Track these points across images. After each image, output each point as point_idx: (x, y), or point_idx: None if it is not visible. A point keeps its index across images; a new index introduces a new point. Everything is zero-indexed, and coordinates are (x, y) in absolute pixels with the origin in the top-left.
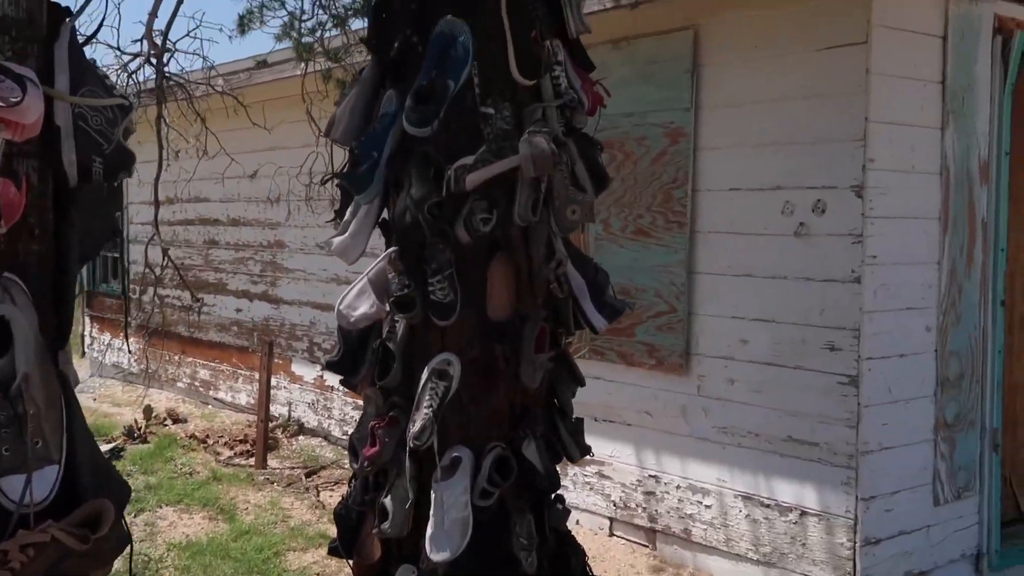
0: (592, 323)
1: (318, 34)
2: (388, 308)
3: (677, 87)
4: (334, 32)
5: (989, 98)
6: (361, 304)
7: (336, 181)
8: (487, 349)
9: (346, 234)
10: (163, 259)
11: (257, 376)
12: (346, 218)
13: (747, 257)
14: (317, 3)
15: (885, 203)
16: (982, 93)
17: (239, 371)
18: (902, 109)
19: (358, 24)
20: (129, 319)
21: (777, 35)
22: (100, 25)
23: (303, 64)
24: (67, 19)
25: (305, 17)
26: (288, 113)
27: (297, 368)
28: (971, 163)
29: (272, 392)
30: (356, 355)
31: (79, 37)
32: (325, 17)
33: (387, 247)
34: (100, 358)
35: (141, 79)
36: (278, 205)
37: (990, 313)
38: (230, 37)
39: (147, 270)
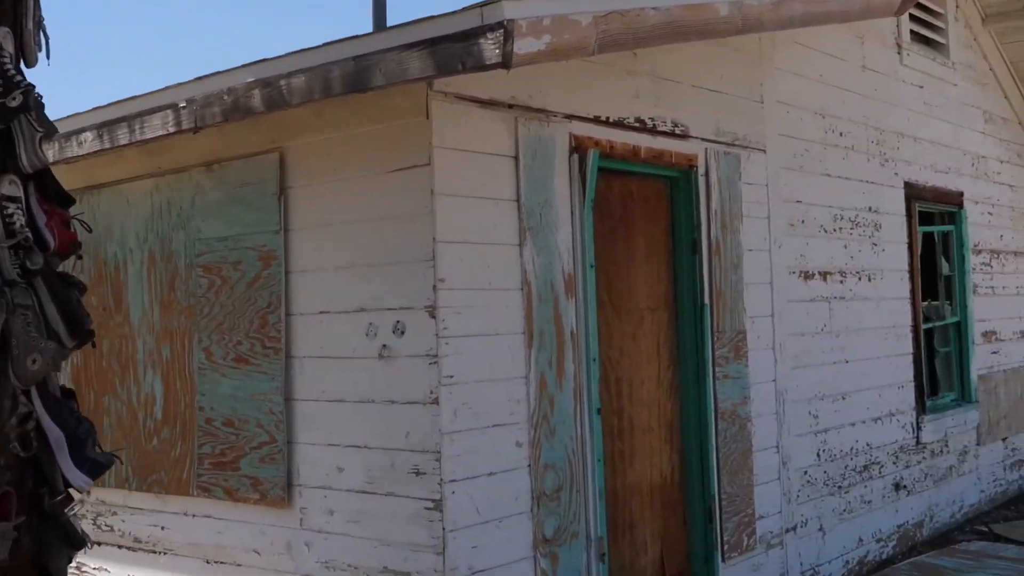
0: (72, 481)
1: None
2: None
3: (266, 210)
4: None
5: (570, 214)
6: None
7: None
8: None
9: None
10: None
11: None
12: None
13: (338, 382)
14: None
15: (461, 322)
16: (562, 209)
17: None
18: (474, 228)
19: None
20: None
21: (352, 158)
22: None
23: None
24: None
25: None
26: None
27: None
28: (554, 277)
29: None
30: None
31: None
32: None
33: None
34: None
35: None
36: None
37: (587, 422)
38: None
39: None
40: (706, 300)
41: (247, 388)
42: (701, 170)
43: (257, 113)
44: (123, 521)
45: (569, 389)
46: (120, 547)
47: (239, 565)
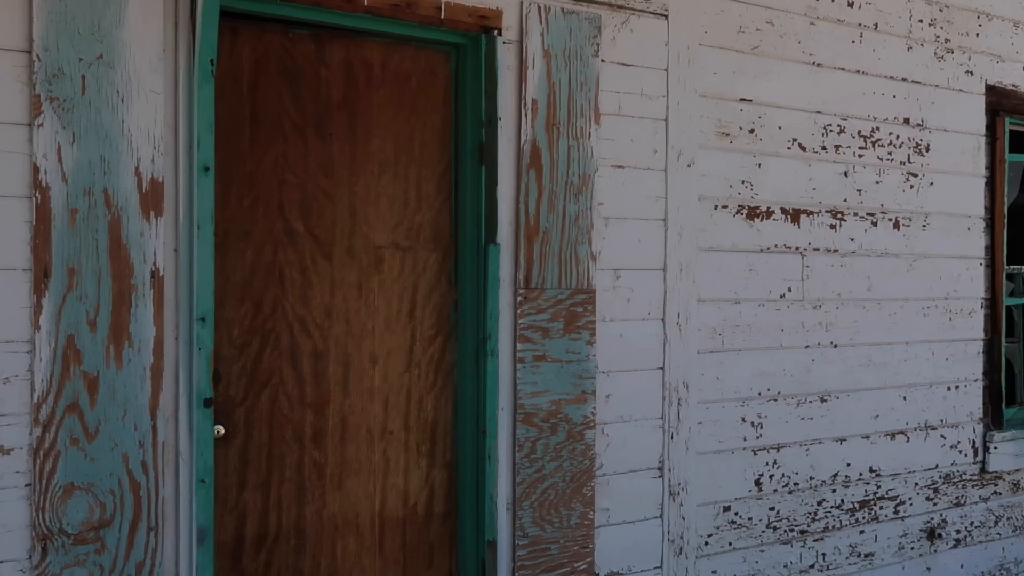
0: None
1: None
2: None
3: None
4: None
5: (170, 81)
6: None
7: None
8: None
9: None
10: None
11: None
12: None
13: None
14: None
15: None
16: (144, 73)
17: None
18: None
19: None
20: None
21: None
22: None
23: None
24: None
25: None
26: None
27: None
28: (115, 182)
29: None
30: None
31: None
32: None
33: None
34: None
35: None
36: None
37: (183, 420)
38: None
39: None
40: (498, 238)
41: None
42: (511, 35)
43: None
44: None
45: (139, 365)
46: None
47: None
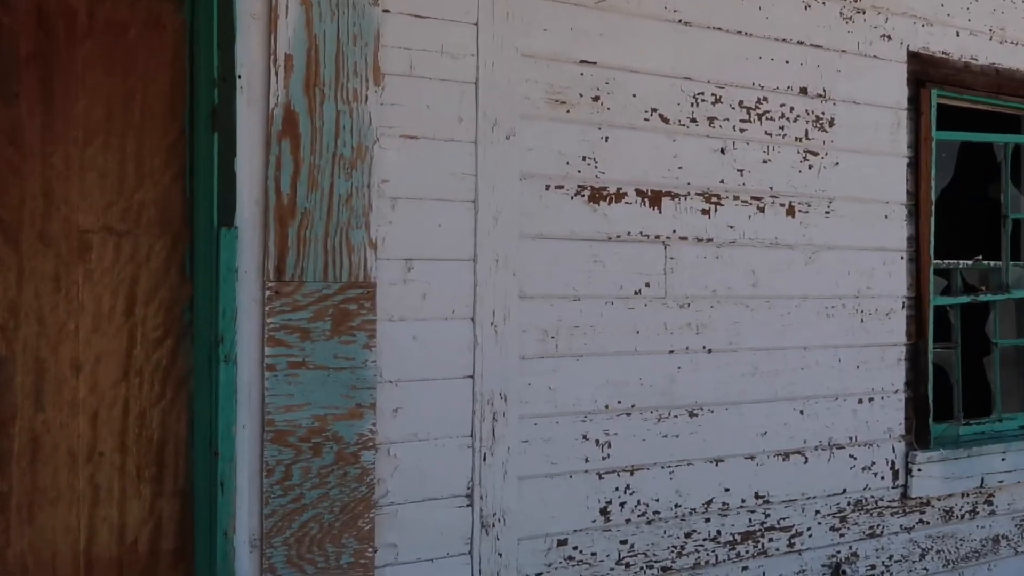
0: None
1: None
2: None
3: None
4: None
5: None
6: None
7: None
8: None
9: None
10: None
11: None
12: None
13: None
14: None
15: None
16: None
17: None
18: None
19: None
20: None
21: None
22: None
23: None
24: None
25: None
26: None
27: None
28: None
29: None
30: None
31: None
32: None
33: None
34: None
35: None
36: None
37: None
38: None
39: None
40: (236, 220)
41: None
42: None
43: None
44: None
45: None
46: None
47: None
